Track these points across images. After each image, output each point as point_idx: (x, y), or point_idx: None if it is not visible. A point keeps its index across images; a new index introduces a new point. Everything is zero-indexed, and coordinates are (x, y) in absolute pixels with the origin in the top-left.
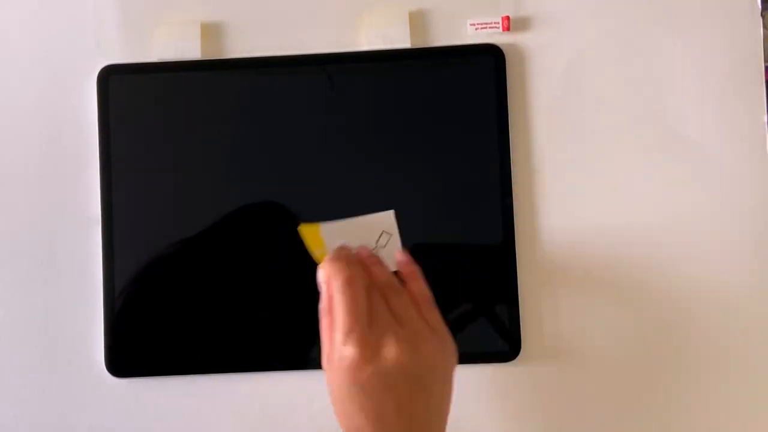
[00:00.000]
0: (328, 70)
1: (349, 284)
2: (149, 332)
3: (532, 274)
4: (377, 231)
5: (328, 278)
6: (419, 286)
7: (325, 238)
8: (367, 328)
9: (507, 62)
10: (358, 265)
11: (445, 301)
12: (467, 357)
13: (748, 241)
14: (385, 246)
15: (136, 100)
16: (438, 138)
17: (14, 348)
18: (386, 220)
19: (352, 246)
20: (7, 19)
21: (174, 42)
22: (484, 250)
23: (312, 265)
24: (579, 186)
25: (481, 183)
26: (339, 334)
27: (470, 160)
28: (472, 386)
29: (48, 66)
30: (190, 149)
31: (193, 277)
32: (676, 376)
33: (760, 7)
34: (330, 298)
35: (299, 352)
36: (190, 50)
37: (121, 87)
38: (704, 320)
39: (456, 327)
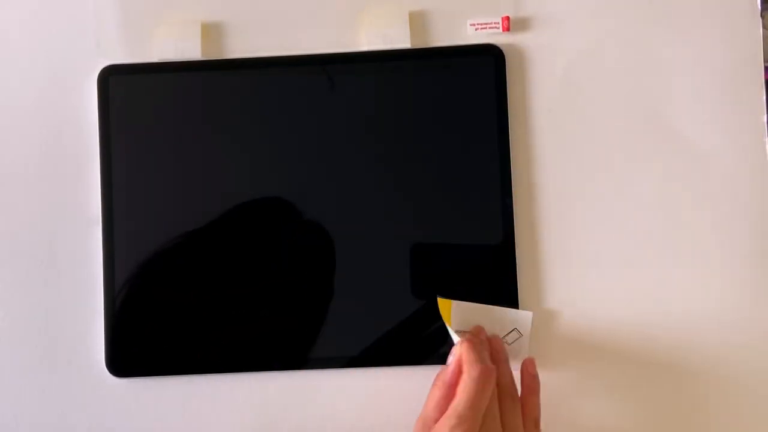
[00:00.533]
0: (328, 70)
1: (484, 379)
2: (149, 332)
3: (532, 274)
4: (509, 326)
5: (464, 360)
6: (534, 401)
7: (454, 313)
8: (477, 426)
9: (507, 62)
10: (500, 366)
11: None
12: None
13: (749, 241)
14: (511, 343)
15: (136, 100)
16: (438, 138)
17: (14, 348)
18: (522, 318)
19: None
20: (7, 19)
21: (174, 42)
22: (484, 250)
23: (312, 265)
24: (579, 185)
25: (481, 183)
26: (452, 416)
27: (470, 160)
28: None
29: (48, 66)
30: (191, 149)
31: (193, 277)
32: (676, 375)
33: (760, 7)
34: (457, 376)
35: (299, 351)
36: (190, 50)
37: (121, 87)
38: (704, 320)
39: None
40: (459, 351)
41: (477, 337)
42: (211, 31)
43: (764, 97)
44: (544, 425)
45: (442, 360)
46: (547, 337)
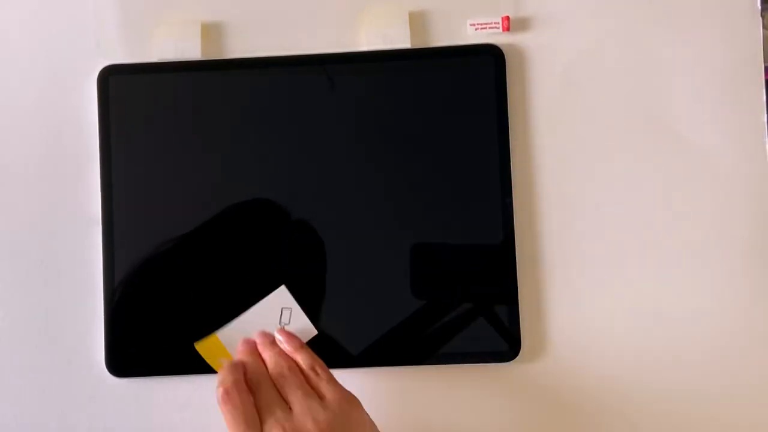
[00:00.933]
0: (328, 70)
1: (226, 397)
2: (149, 332)
3: (532, 274)
4: (277, 310)
5: (220, 376)
6: (304, 356)
7: (227, 344)
8: (250, 430)
9: (507, 62)
10: (240, 367)
11: (445, 301)
12: (467, 357)
13: (749, 241)
14: (289, 322)
15: (136, 100)
16: (438, 138)
17: (14, 348)
18: (281, 296)
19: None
20: (7, 19)
21: (174, 42)
22: (484, 250)
23: (312, 264)
24: (579, 185)
25: (481, 183)
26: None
27: (470, 160)
28: (472, 386)
29: (48, 66)
30: (190, 149)
31: (194, 277)
32: (675, 374)
33: (760, 7)
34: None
35: None
36: (190, 50)
37: (121, 87)
38: (704, 320)
39: (456, 327)
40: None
41: (241, 348)
42: (210, 31)
43: (764, 97)
44: (544, 424)
45: (442, 360)
46: (546, 337)
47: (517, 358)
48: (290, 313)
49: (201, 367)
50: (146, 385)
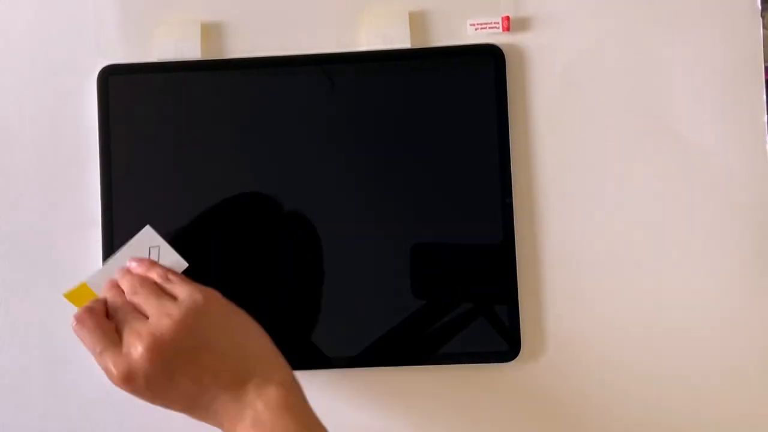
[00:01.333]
0: (328, 70)
1: (78, 324)
2: None
3: (532, 274)
4: (145, 250)
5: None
6: (158, 270)
7: (96, 290)
8: (109, 346)
9: (507, 62)
10: (98, 302)
11: (445, 301)
12: (467, 357)
13: (749, 241)
14: (158, 259)
15: (136, 100)
16: (438, 138)
17: (14, 348)
18: (146, 235)
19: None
20: (7, 19)
21: (174, 42)
22: (484, 250)
23: (312, 264)
24: (579, 185)
25: (481, 183)
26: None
27: (470, 160)
28: (472, 386)
29: (48, 66)
30: (190, 149)
31: (194, 277)
32: (675, 374)
33: (760, 7)
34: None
35: (299, 351)
36: (190, 50)
37: (121, 87)
38: (704, 320)
39: (456, 327)
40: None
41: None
42: (210, 31)
43: (764, 97)
44: (543, 424)
45: (442, 360)
46: (546, 337)
47: (517, 358)
48: (158, 250)
49: None
50: None
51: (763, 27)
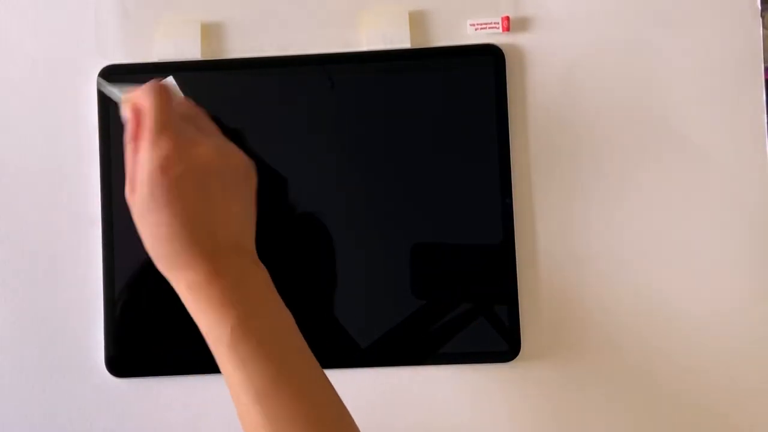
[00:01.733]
0: (328, 70)
1: (161, 89)
2: (149, 332)
3: (532, 274)
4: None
5: (135, 100)
6: (197, 108)
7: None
8: (178, 130)
9: (507, 62)
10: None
11: (445, 301)
12: (467, 357)
13: (749, 241)
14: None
15: None
16: (438, 138)
17: (14, 348)
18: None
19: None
20: (7, 19)
21: (174, 42)
22: (484, 250)
23: (312, 263)
24: (579, 185)
25: (481, 183)
26: (150, 134)
27: (470, 160)
28: (472, 386)
29: (48, 66)
30: None
31: None
32: (675, 374)
33: (759, 7)
34: (137, 118)
35: None
36: (190, 50)
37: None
38: (704, 320)
39: (456, 327)
40: (127, 106)
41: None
42: (210, 31)
43: (764, 97)
44: (544, 424)
45: (442, 360)
46: (546, 337)
47: (517, 358)
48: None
49: (201, 367)
50: (146, 385)
51: (763, 27)
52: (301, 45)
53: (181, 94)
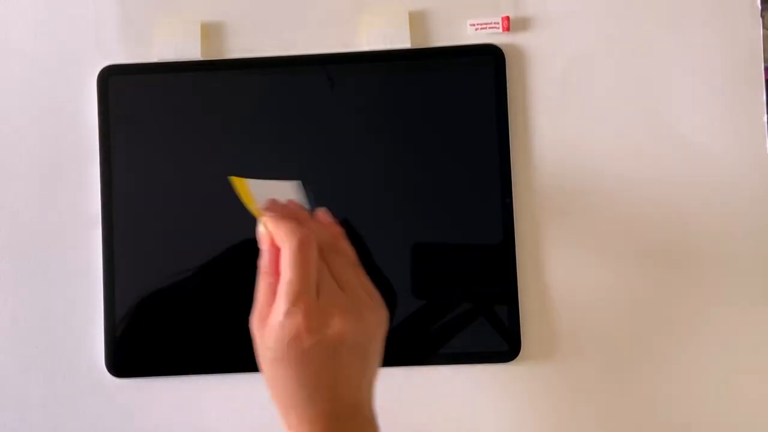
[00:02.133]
0: (328, 70)
1: (303, 248)
2: (149, 332)
3: (532, 274)
4: (285, 197)
5: (277, 236)
6: (345, 245)
7: (254, 192)
8: (315, 297)
9: (507, 62)
10: (309, 226)
11: (445, 301)
12: (467, 357)
13: (748, 241)
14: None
15: (136, 100)
16: (438, 138)
17: (14, 348)
18: (293, 189)
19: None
20: (7, 19)
21: (174, 42)
22: (484, 250)
23: None
24: (579, 185)
25: (481, 183)
26: (284, 301)
27: (470, 160)
28: (472, 386)
29: (48, 66)
30: (190, 149)
31: (194, 276)
32: (677, 375)
33: (760, 7)
34: (276, 258)
35: None
36: (190, 50)
37: (121, 87)
38: (703, 319)
39: (456, 327)
40: (267, 230)
41: (277, 207)
42: (210, 31)
43: (764, 97)
44: (544, 424)
45: (442, 360)
46: (546, 337)
47: (517, 358)
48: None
49: (201, 367)
50: (146, 385)
51: (763, 27)
52: (301, 45)
53: (308, 205)
